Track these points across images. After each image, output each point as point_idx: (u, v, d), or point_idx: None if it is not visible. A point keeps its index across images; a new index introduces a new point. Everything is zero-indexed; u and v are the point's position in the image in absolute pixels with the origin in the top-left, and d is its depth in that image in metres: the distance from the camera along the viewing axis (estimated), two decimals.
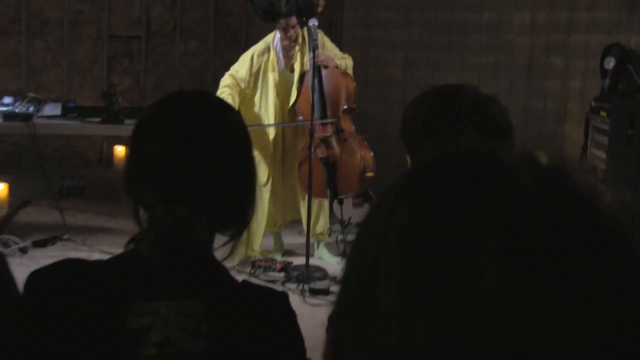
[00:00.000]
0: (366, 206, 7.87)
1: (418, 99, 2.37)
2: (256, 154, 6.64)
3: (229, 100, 6.52)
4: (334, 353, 0.83)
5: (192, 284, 1.86)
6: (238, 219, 1.94)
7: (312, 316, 5.70)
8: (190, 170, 1.86)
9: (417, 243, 0.73)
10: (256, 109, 6.85)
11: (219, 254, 1.94)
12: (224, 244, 1.94)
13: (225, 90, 6.70)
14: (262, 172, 6.78)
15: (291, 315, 1.93)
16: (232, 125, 1.95)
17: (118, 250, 1.95)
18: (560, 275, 0.69)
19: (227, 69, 7.01)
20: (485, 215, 0.71)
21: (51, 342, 1.83)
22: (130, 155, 1.94)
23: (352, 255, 0.81)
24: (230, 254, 1.95)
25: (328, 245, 7.19)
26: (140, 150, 1.92)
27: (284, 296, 1.96)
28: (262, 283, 6.36)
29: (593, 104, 8.10)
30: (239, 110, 2.09)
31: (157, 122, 1.93)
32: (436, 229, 0.73)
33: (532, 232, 0.70)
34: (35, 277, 1.90)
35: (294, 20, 6.60)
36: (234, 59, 7.31)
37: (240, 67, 6.82)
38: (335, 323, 0.82)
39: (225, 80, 6.79)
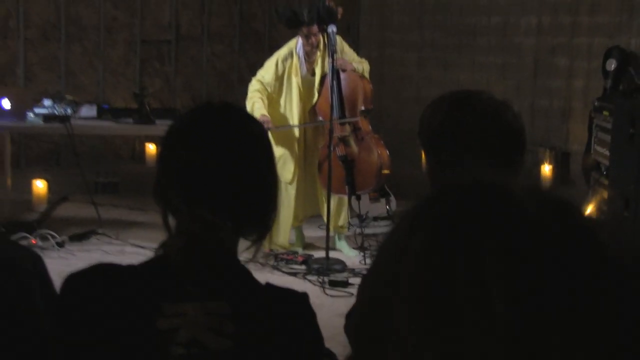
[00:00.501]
0: (382, 201, 7.88)
1: (436, 102, 2.39)
2: (283, 153, 6.72)
3: (260, 103, 6.66)
4: None
5: (218, 286, 1.86)
6: (260, 224, 1.94)
7: (331, 307, 5.69)
8: (215, 178, 1.86)
9: (431, 271, 0.74)
10: (282, 110, 6.88)
11: (242, 258, 1.93)
12: (248, 248, 1.94)
13: (256, 94, 6.73)
14: (288, 170, 6.85)
15: (311, 315, 1.93)
16: (255, 136, 1.96)
17: (149, 243, 1.97)
18: (565, 308, 0.70)
19: (252, 70, 7.05)
20: (494, 246, 0.72)
21: (85, 343, 1.84)
22: (160, 164, 1.94)
23: (370, 278, 0.82)
24: (254, 257, 1.95)
25: (347, 238, 7.20)
26: (170, 159, 1.92)
27: (304, 297, 1.96)
28: (285, 275, 6.43)
29: (596, 103, 8.08)
30: (260, 121, 2.07)
31: (185, 133, 1.93)
32: (448, 259, 0.73)
33: (538, 265, 0.71)
34: (71, 280, 1.90)
35: (315, 28, 6.62)
36: (258, 61, 7.33)
37: (266, 73, 6.84)
38: (353, 343, 0.83)
39: (254, 85, 6.80)
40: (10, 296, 2.02)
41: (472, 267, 0.71)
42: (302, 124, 6.85)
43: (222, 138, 1.90)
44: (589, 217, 0.78)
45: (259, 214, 1.93)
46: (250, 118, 2.02)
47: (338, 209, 6.98)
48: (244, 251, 1.94)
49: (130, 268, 1.90)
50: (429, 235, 0.75)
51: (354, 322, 0.82)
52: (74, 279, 1.89)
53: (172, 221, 1.90)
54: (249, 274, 1.91)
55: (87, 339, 1.83)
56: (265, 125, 6.53)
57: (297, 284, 6.18)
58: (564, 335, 0.69)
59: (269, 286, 1.92)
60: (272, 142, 5.78)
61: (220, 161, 1.86)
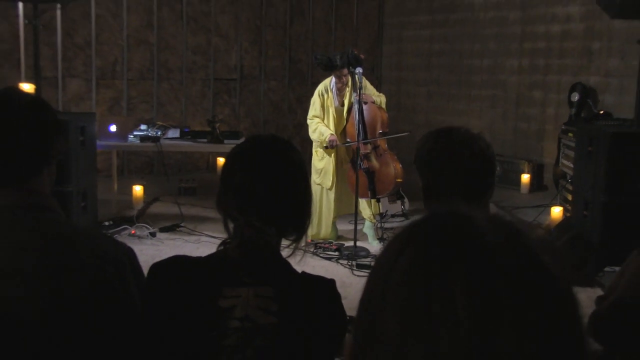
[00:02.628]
0: (398, 202, 7.87)
1: (424, 136, 2.39)
2: (324, 165, 6.79)
3: (324, 126, 6.80)
4: (353, 357, 0.82)
5: (265, 275, 1.87)
6: (298, 228, 1.96)
7: (358, 284, 5.65)
8: (263, 195, 1.88)
9: (413, 284, 0.74)
10: None
11: (284, 253, 1.95)
12: (288, 246, 1.96)
13: (315, 119, 6.84)
14: (329, 179, 6.91)
15: (338, 297, 1.93)
16: (294, 162, 1.96)
17: (219, 234, 1.98)
18: (513, 319, 0.70)
19: (298, 100, 7.19)
20: (459, 264, 0.72)
21: (166, 316, 1.86)
22: (221, 183, 1.97)
23: (368, 284, 0.82)
24: (292, 253, 1.95)
25: (370, 228, 7.13)
26: (228, 179, 1.94)
27: (332, 282, 1.95)
28: (322, 259, 6.43)
29: (563, 127, 8.08)
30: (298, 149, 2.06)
31: (240, 160, 1.95)
32: (427, 275, 0.73)
33: (492, 279, 0.71)
34: (154, 268, 1.94)
35: (345, 70, 6.62)
36: (302, 94, 7.42)
37: (315, 108, 6.87)
38: (353, 334, 0.82)
39: (312, 119, 6.87)
40: (112, 282, 2.02)
41: (444, 283, 0.71)
42: (342, 143, 6.84)
43: (269, 164, 1.92)
44: (532, 238, 0.76)
45: (296, 222, 1.95)
46: (291, 148, 2.01)
47: (366, 205, 6.97)
48: (285, 248, 1.95)
49: (199, 259, 1.93)
50: (412, 256, 0.76)
51: (354, 322, 0.82)
52: (157, 268, 1.93)
53: (230, 225, 1.93)
54: (288, 265, 1.93)
55: (167, 313, 1.86)
56: (334, 143, 6.62)
57: (331, 267, 6.22)
58: (511, 335, 0.69)
59: (304, 274, 1.93)
60: (317, 158, 5.86)
61: (267, 182, 1.89)
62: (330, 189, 6.93)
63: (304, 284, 1.91)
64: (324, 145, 6.75)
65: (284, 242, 1.97)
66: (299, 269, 1.95)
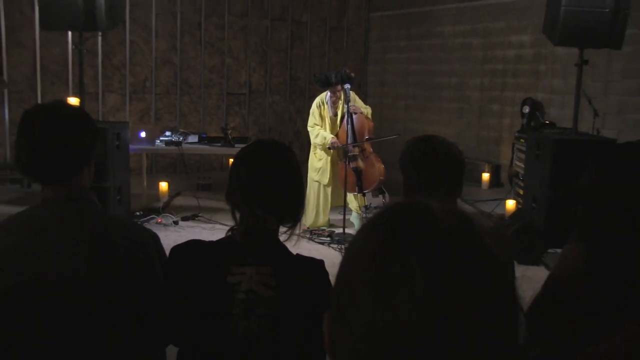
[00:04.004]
0: (380, 196, 7.86)
1: (408, 141, 2.35)
2: (322, 165, 6.78)
3: (324, 131, 6.76)
4: (329, 326, 0.81)
5: (266, 256, 1.87)
6: (293, 217, 1.93)
7: None
8: (265, 190, 1.87)
9: (379, 263, 0.73)
10: None
11: (282, 238, 1.94)
12: (285, 232, 1.94)
13: (316, 127, 6.82)
14: (326, 177, 6.88)
15: (326, 274, 1.91)
16: (290, 162, 1.94)
17: (230, 222, 1.96)
18: (460, 292, 0.70)
19: (298, 111, 7.18)
20: (417, 247, 0.72)
21: (184, 290, 1.87)
22: (230, 180, 1.95)
23: (342, 264, 0.80)
24: (289, 238, 1.93)
25: (356, 218, 7.13)
26: (235, 177, 1.93)
27: (321, 263, 1.94)
28: (316, 244, 6.39)
29: (516, 134, 8.05)
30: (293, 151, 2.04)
31: (245, 161, 1.94)
32: (390, 258, 0.72)
33: (444, 260, 0.71)
34: (174, 250, 1.94)
35: (339, 86, 6.60)
36: (301, 106, 7.42)
37: (314, 117, 6.85)
38: (331, 305, 0.81)
39: (313, 127, 6.85)
40: (140, 260, 2.03)
41: (405, 263, 0.71)
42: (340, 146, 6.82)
43: (269, 164, 1.91)
44: (480, 226, 0.75)
45: (292, 211, 1.92)
46: (287, 150, 1.98)
47: (354, 199, 6.95)
48: (282, 233, 1.94)
49: (211, 243, 1.92)
50: (379, 241, 0.75)
51: (331, 294, 0.82)
52: (176, 250, 1.93)
53: (237, 215, 1.92)
54: (285, 248, 1.92)
55: (185, 287, 1.87)
56: (336, 144, 6.61)
57: (324, 250, 6.20)
58: (456, 302, 0.69)
59: (298, 256, 1.93)
60: (316, 159, 5.81)
61: (267, 180, 1.88)
62: (327, 185, 6.91)
63: (299, 264, 1.91)
64: (327, 146, 6.74)
65: (282, 229, 1.95)
66: (294, 251, 1.94)
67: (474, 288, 0.70)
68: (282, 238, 1.94)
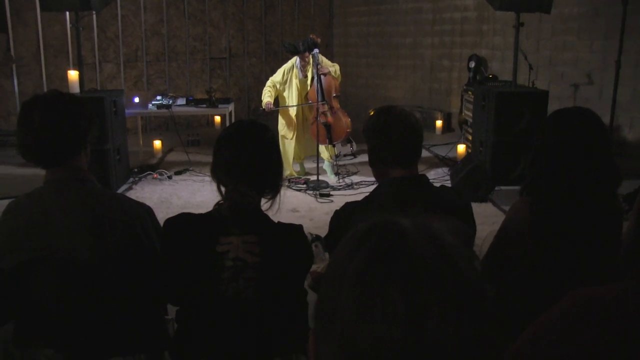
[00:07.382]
0: (348, 145, 7.80)
1: (371, 112, 2.25)
2: (286, 122, 6.64)
3: (268, 96, 6.51)
4: (314, 342, 0.77)
5: (250, 226, 1.82)
6: (273, 190, 1.89)
7: (321, 209, 5.64)
8: (246, 166, 1.81)
9: (364, 285, 0.70)
10: (286, 98, 6.73)
11: (264, 208, 1.89)
12: (266, 202, 1.89)
13: (267, 89, 6.59)
14: (289, 132, 6.74)
15: (305, 238, 1.89)
16: (267, 140, 1.88)
17: None
18: (437, 309, 0.67)
19: (273, 72, 6.91)
20: (396, 271, 0.69)
21: (178, 258, 1.82)
22: (214, 157, 1.90)
23: (326, 278, 0.76)
24: (270, 207, 1.88)
25: (329, 166, 7.07)
26: (219, 154, 1.87)
27: (300, 227, 1.90)
28: (294, 191, 6.31)
29: (464, 87, 8.02)
30: (269, 128, 1.97)
31: (227, 140, 1.87)
32: (372, 275, 0.69)
33: (419, 281, 0.68)
34: (168, 222, 1.87)
35: (307, 53, 6.46)
36: (275, 67, 7.21)
37: (276, 77, 6.68)
38: (315, 322, 0.77)
39: (268, 84, 6.65)
40: (137, 232, 2.00)
41: (386, 285, 0.68)
42: (297, 104, 6.67)
43: (249, 142, 1.84)
44: (454, 248, 0.72)
45: (272, 185, 1.88)
46: (265, 129, 1.91)
47: (325, 150, 6.88)
48: (264, 204, 1.89)
49: (200, 215, 1.87)
50: (361, 265, 0.71)
51: (315, 303, 0.77)
52: (170, 222, 1.87)
53: (222, 189, 1.86)
54: (267, 217, 1.88)
55: (179, 256, 1.82)
56: (269, 107, 6.45)
57: (301, 196, 6.13)
58: (434, 313, 0.66)
59: (279, 223, 1.88)
60: (280, 118, 5.68)
61: (248, 157, 1.82)
62: (290, 139, 6.75)
63: (279, 231, 1.87)
64: (262, 107, 6.54)
65: (263, 200, 1.90)
66: (275, 219, 1.90)
67: (450, 306, 0.67)
68: (264, 207, 1.89)
